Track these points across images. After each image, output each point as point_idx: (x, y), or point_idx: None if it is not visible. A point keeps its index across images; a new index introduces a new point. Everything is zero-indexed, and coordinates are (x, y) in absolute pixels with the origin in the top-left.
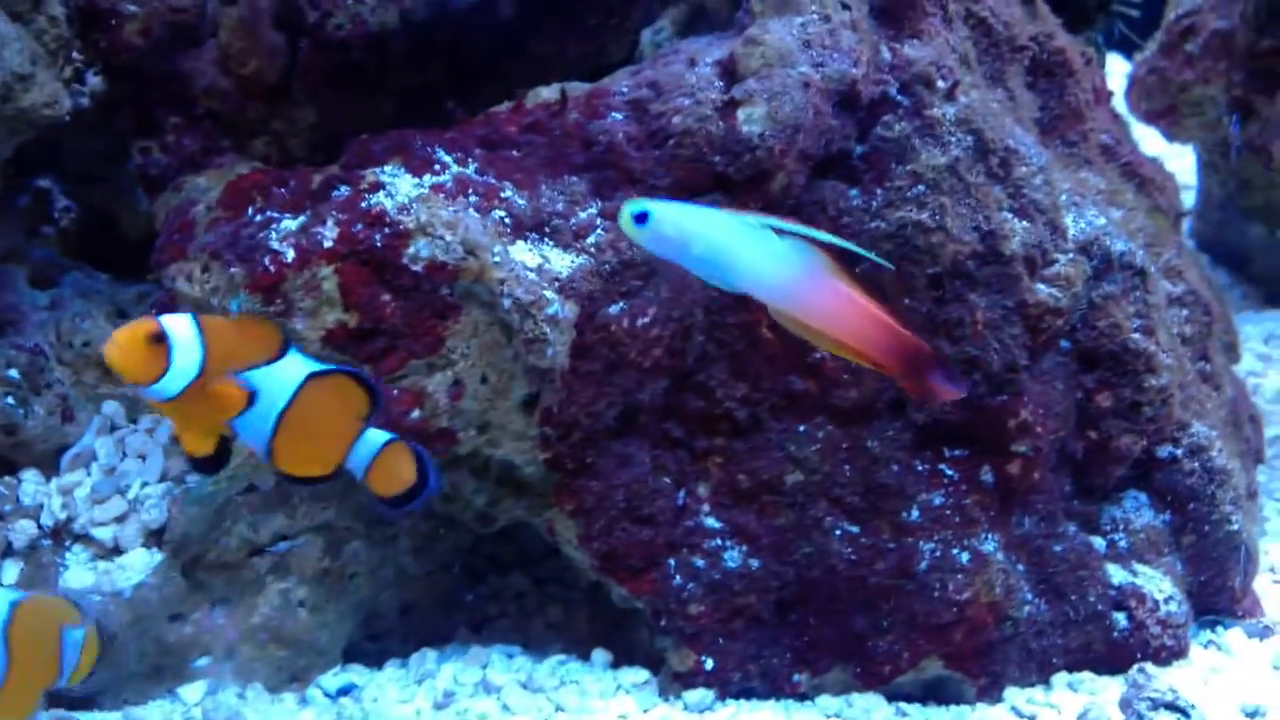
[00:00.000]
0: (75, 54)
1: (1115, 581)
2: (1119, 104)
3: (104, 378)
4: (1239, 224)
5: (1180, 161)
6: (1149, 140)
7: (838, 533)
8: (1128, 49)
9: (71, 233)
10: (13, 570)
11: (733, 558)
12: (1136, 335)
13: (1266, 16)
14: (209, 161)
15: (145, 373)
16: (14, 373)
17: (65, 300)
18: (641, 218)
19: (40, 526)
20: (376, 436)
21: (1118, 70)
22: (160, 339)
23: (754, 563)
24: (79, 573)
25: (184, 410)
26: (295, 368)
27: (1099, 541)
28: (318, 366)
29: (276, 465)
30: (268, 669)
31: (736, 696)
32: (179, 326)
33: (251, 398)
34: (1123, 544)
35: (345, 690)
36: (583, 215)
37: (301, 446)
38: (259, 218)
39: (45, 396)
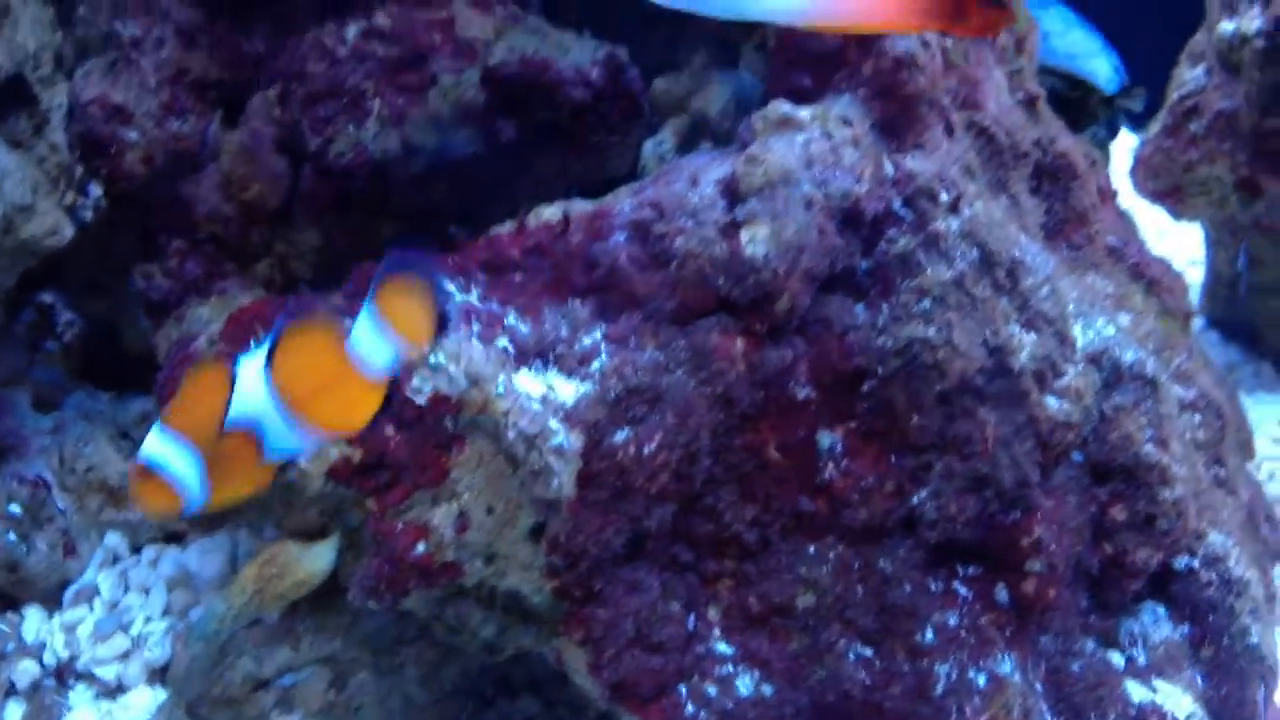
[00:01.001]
0: (77, 178)
1: (1135, 700)
2: (1125, 181)
3: (109, 501)
4: (1249, 300)
5: (1189, 236)
6: (1156, 217)
7: (851, 656)
8: (1138, 124)
9: (75, 346)
10: (15, 711)
11: (745, 684)
12: (1149, 447)
13: (1270, 97)
14: (211, 285)
15: (166, 508)
16: (15, 508)
17: (68, 424)
18: None
19: (43, 665)
20: None
21: (1129, 144)
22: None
23: (767, 689)
24: (82, 713)
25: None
26: None
27: (1117, 658)
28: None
29: None
30: None
31: None
32: (174, 454)
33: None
34: (1141, 660)
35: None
36: (587, 340)
37: None
38: None
39: (47, 530)
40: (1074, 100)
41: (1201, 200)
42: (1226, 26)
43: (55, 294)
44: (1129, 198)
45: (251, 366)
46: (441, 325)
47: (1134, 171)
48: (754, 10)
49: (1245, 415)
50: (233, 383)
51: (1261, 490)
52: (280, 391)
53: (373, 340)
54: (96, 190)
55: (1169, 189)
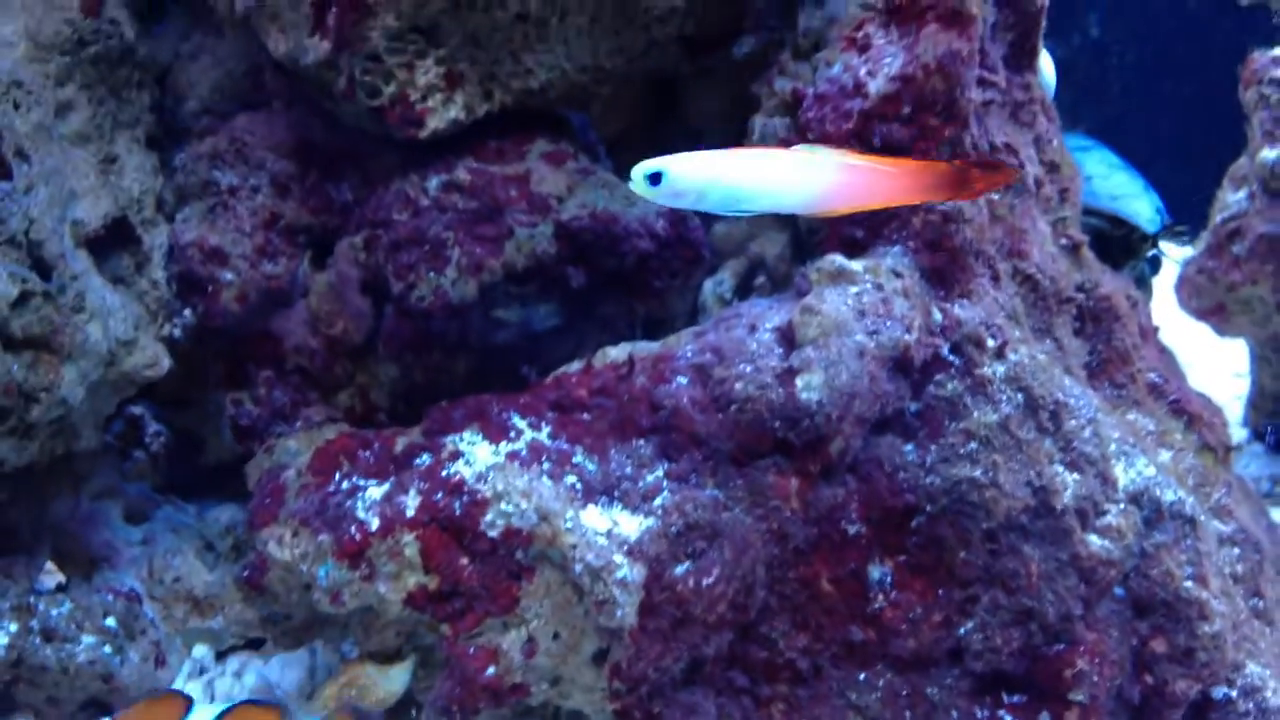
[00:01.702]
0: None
1: None
2: (1170, 298)
3: (193, 611)
4: None
5: (1236, 349)
6: (1201, 334)
7: None
8: (1187, 239)
9: (161, 456)
10: None
11: None
12: (1189, 583)
13: None
14: (297, 413)
15: None
16: (111, 621)
17: (157, 536)
18: (655, 179)
19: None
20: None
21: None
22: None
23: None
24: None
25: None
26: None
27: None
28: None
29: None
30: None
31: None
32: None
33: None
34: None
35: None
36: (650, 478)
37: None
38: (345, 484)
39: (140, 642)
40: (1118, 239)
41: (1245, 319)
42: (1268, 154)
43: (144, 406)
44: (1175, 314)
45: (204, 714)
46: None
47: (1179, 289)
48: (756, 206)
49: None
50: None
51: None
52: None
53: None
54: (186, 311)
55: (1213, 308)
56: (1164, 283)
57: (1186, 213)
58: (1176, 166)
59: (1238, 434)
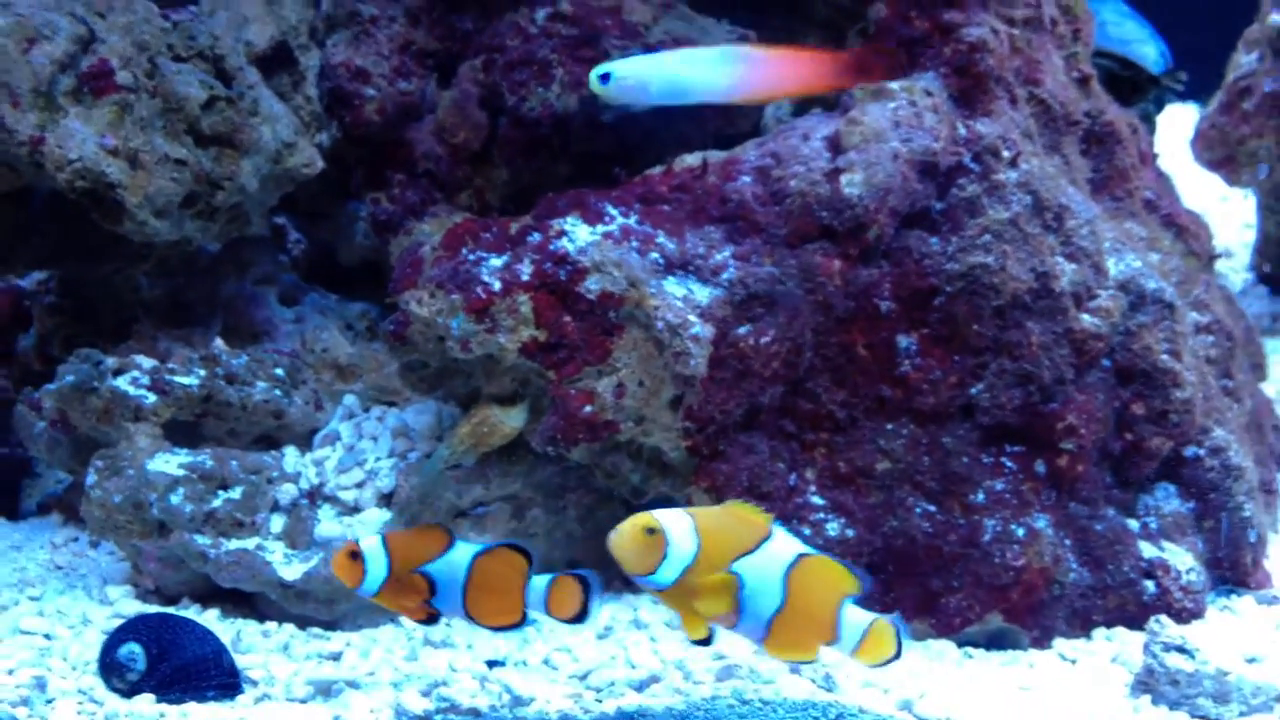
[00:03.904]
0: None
1: (1146, 555)
2: (1186, 151)
3: (338, 377)
4: None
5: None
6: (1213, 184)
7: (918, 510)
8: (1204, 99)
9: (301, 260)
10: (279, 522)
11: (833, 528)
12: (1165, 356)
13: None
14: (425, 210)
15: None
16: (280, 371)
17: (306, 316)
18: (605, 77)
19: (299, 489)
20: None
21: (1192, 118)
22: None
23: (850, 532)
24: (328, 525)
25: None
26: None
27: (1133, 523)
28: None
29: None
30: None
31: None
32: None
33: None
34: (1153, 525)
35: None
36: (718, 257)
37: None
38: (471, 257)
39: (302, 390)
40: (1126, 80)
41: (1250, 171)
42: (1276, 18)
43: (286, 216)
44: (1190, 166)
45: (464, 551)
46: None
47: (1193, 143)
48: (691, 96)
49: (1259, 341)
50: (447, 547)
51: (1271, 404)
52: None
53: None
54: (322, 136)
55: (1223, 159)
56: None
57: (1205, 74)
58: (1198, 31)
59: (1243, 278)
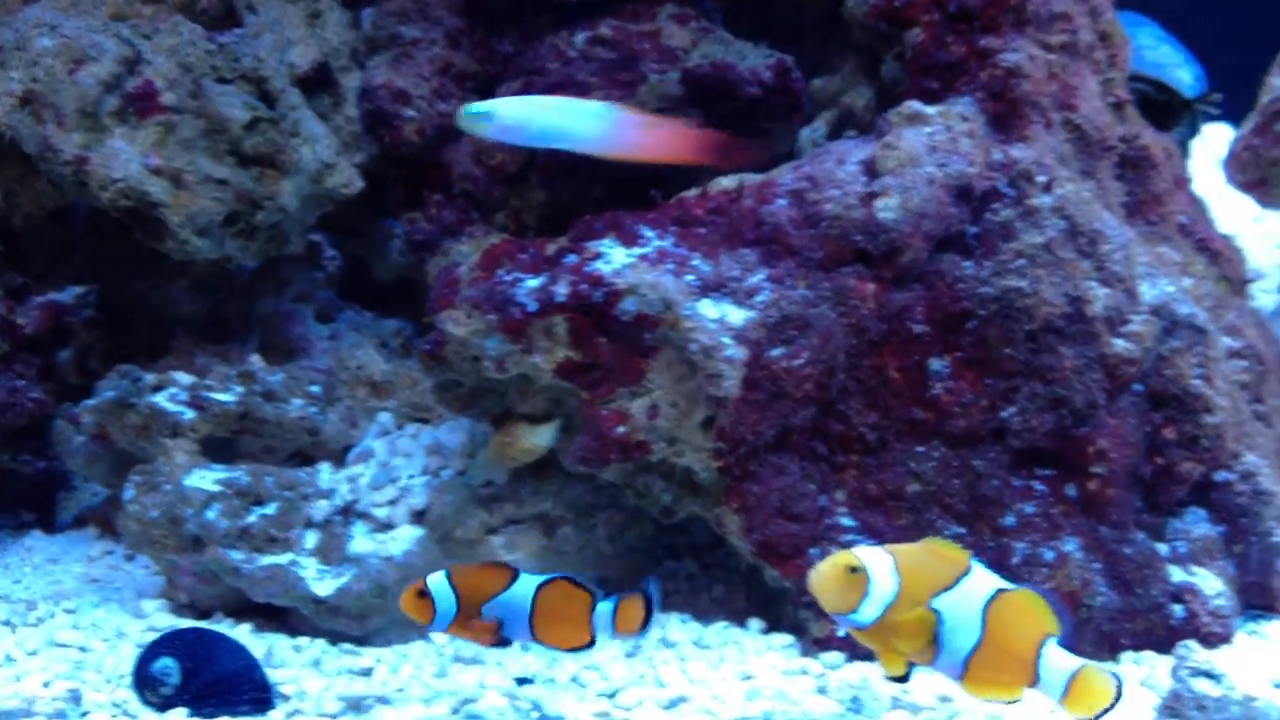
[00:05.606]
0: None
1: (1174, 580)
2: (1219, 172)
3: (372, 394)
4: None
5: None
6: (1246, 205)
7: (948, 532)
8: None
9: (336, 277)
10: (313, 538)
11: None
12: (1197, 381)
13: None
14: (462, 230)
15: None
16: (315, 388)
17: (341, 333)
18: (485, 116)
19: (332, 505)
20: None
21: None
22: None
23: None
24: (361, 542)
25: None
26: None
27: (1163, 547)
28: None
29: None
30: None
31: (863, 659)
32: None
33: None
34: (1183, 550)
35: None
36: (752, 279)
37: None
38: (508, 277)
39: (337, 407)
40: (1161, 104)
41: None
42: None
43: (322, 234)
44: (1223, 188)
45: (527, 583)
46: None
47: (1226, 165)
48: (564, 144)
49: None
50: (511, 581)
51: None
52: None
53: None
54: (358, 154)
55: (1256, 181)
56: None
57: (1240, 96)
58: (1232, 52)
59: (1274, 299)
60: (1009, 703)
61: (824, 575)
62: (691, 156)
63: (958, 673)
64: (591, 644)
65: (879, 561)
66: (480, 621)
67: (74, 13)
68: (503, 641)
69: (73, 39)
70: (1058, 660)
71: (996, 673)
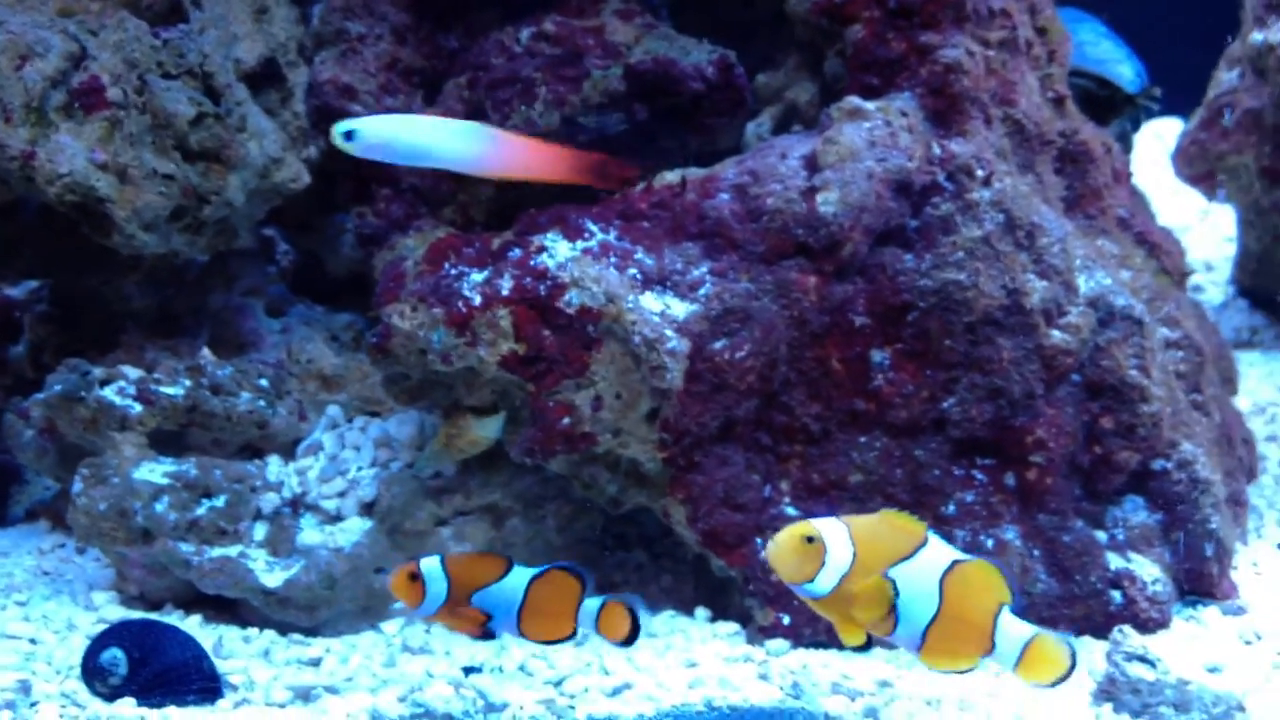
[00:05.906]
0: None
1: (1113, 566)
2: (1168, 166)
3: (322, 387)
4: (1273, 273)
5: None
6: (1195, 198)
7: None
8: (1189, 114)
9: (289, 271)
10: (261, 530)
11: None
12: (1133, 372)
13: None
14: (410, 224)
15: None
16: (264, 381)
17: (292, 327)
18: (350, 135)
19: (281, 498)
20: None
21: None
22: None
23: None
24: (310, 534)
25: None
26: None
27: (1101, 535)
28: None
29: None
30: None
31: (807, 646)
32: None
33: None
34: (1121, 537)
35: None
36: (695, 273)
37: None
38: (454, 271)
39: (286, 400)
40: (1103, 99)
41: (1231, 185)
42: (1256, 36)
43: (275, 229)
44: (1171, 181)
45: (520, 575)
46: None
47: (1174, 158)
48: (433, 162)
49: (1231, 356)
50: (505, 572)
51: (1242, 418)
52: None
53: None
54: (310, 149)
55: (1203, 174)
56: (1156, 155)
57: (1187, 91)
58: (1179, 49)
59: (1224, 291)
60: (963, 672)
61: (781, 545)
62: (566, 177)
63: (916, 644)
64: (572, 635)
65: (835, 532)
66: (468, 610)
67: (20, 8)
68: (487, 634)
69: (18, 35)
70: (1013, 629)
71: (955, 643)
